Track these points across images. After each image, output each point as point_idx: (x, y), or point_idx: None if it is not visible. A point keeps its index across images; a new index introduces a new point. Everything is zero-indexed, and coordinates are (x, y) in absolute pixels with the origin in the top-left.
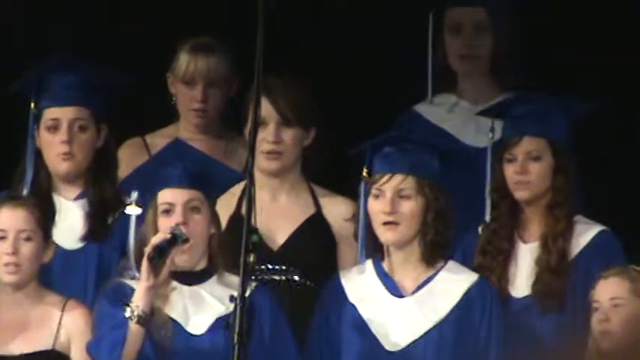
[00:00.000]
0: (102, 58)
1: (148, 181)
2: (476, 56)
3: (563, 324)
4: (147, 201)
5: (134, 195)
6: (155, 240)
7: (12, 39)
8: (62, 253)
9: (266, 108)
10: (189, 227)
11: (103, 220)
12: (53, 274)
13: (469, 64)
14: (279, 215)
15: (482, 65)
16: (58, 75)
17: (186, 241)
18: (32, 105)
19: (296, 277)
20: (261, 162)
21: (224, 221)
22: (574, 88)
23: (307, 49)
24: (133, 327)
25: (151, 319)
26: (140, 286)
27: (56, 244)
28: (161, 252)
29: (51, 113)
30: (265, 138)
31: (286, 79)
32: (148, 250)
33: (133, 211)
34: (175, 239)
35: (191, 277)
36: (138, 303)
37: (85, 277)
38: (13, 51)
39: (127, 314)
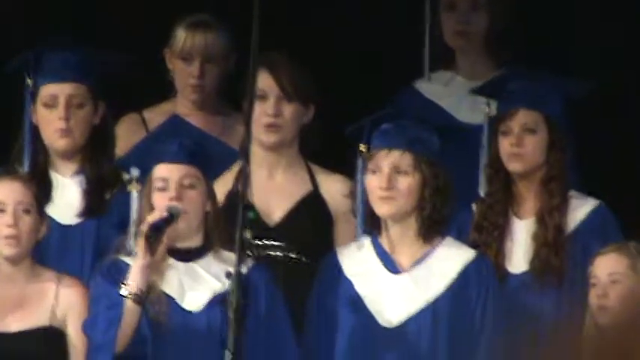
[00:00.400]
0: (100, 36)
1: (146, 158)
2: (470, 33)
3: (560, 300)
4: (144, 177)
5: (135, 172)
6: (151, 218)
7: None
8: (59, 228)
9: (267, 81)
10: (184, 203)
11: (101, 197)
12: (50, 250)
13: (464, 41)
14: (275, 192)
15: (477, 42)
16: (55, 52)
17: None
18: (29, 81)
19: (292, 254)
20: (260, 135)
21: (221, 198)
22: (571, 67)
23: (305, 26)
24: (129, 305)
25: (147, 297)
26: (136, 264)
27: (50, 221)
28: (157, 230)
29: (48, 89)
30: (265, 111)
31: (286, 54)
32: (144, 228)
33: (134, 187)
34: (172, 217)
35: (187, 254)
36: (133, 280)
37: (82, 253)
38: (9, 27)
39: (123, 292)
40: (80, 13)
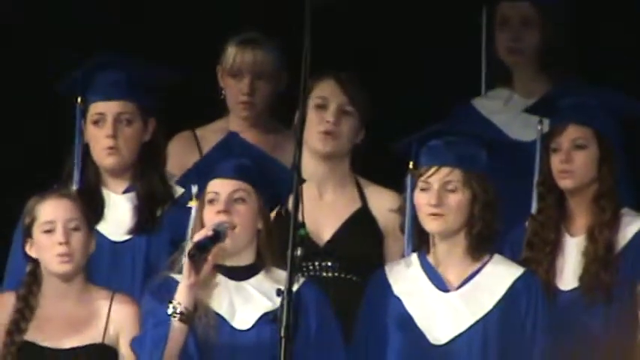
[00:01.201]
0: (152, 54)
1: (203, 175)
2: (522, 49)
3: (610, 317)
4: (201, 194)
5: (194, 189)
6: (197, 237)
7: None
8: (110, 245)
9: (330, 89)
10: (232, 216)
11: (152, 213)
12: (101, 267)
13: (516, 57)
14: (325, 211)
15: (531, 59)
16: (103, 70)
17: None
18: (79, 100)
19: (342, 274)
20: (316, 143)
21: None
22: (624, 87)
23: (360, 45)
24: (176, 324)
25: (193, 316)
26: (182, 283)
27: (100, 238)
28: (202, 249)
29: (96, 108)
30: (324, 118)
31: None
32: (188, 247)
33: (193, 204)
34: (217, 236)
35: (238, 273)
36: (180, 300)
37: (133, 270)
38: (62, 50)
39: (169, 311)
40: (134, 31)
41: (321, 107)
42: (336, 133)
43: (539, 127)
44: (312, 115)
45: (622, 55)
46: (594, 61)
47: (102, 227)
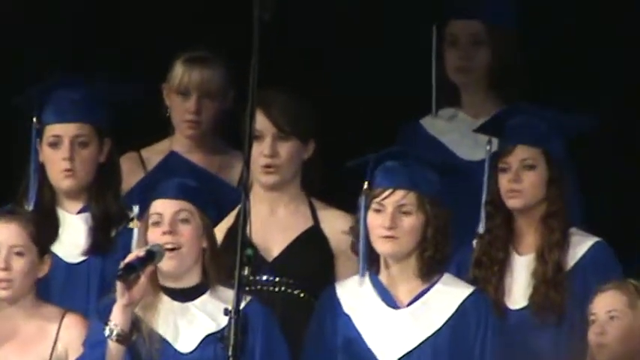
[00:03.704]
0: (100, 72)
1: (144, 195)
2: (471, 69)
3: (560, 336)
4: (142, 214)
5: (135, 210)
6: (128, 257)
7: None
8: (65, 266)
9: (262, 121)
10: (177, 236)
11: (106, 234)
12: (56, 288)
13: (465, 77)
14: (276, 228)
15: (480, 78)
16: (60, 91)
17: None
18: (34, 120)
19: (290, 290)
20: (259, 176)
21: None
22: (574, 102)
23: (306, 61)
24: (112, 345)
25: (129, 336)
26: (116, 304)
27: (52, 259)
28: (130, 270)
29: (52, 130)
30: (262, 152)
31: (283, 92)
32: (119, 267)
33: (134, 225)
34: (150, 256)
35: (184, 294)
36: (115, 321)
37: (88, 291)
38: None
39: (106, 333)
40: (80, 47)
41: (258, 138)
42: (276, 165)
43: (487, 147)
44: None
45: (572, 73)
46: (543, 79)
47: (56, 248)
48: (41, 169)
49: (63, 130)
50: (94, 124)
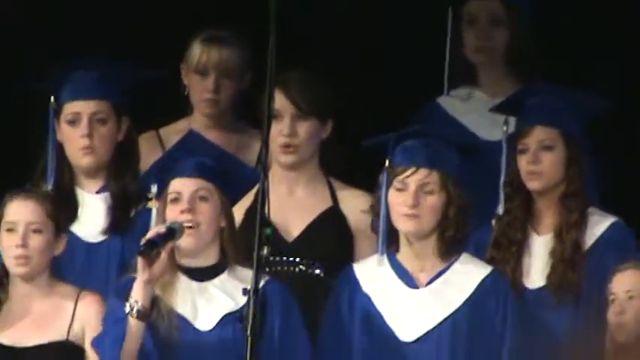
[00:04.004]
0: (117, 51)
1: (163, 174)
2: (490, 48)
3: (578, 316)
4: (161, 193)
5: (154, 189)
6: (149, 234)
7: (30, 34)
8: (85, 246)
9: (280, 101)
10: (195, 214)
11: (125, 213)
12: (76, 267)
13: (484, 56)
14: (295, 208)
15: (498, 57)
16: (77, 70)
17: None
18: (52, 99)
19: (310, 270)
20: (277, 155)
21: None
22: (591, 83)
23: (325, 42)
24: (132, 322)
25: (150, 313)
26: (137, 280)
27: (72, 239)
28: (151, 246)
29: (71, 107)
30: (281, 131)
31: (301, 72)
32: (140, 243)
33: (153, 204)
34: (171, 233)
35: (202, 273)
36: (136, 297)
37: (107, 270)
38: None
39: (126, 309)
40: (98, 30)
41: (277, 118)
42: (295, 145)
43: (504, 128)
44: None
45: (592, 53)
46: (562, 59)
47: (76, 228)
48: (59, 148)
49: (81, 107)
50: (112, 102)
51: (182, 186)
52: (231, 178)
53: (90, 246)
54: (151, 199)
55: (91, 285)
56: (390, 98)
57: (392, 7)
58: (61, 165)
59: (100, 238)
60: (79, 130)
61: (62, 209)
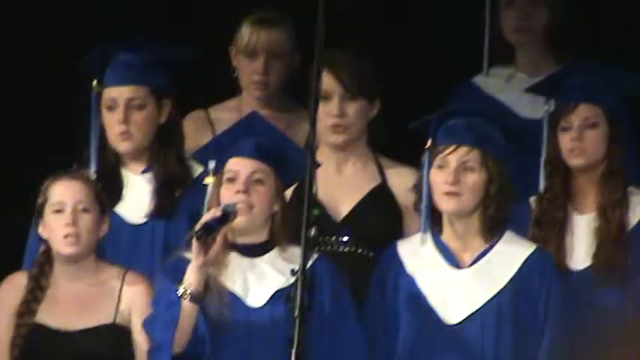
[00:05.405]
0: (164, 34)
1: (221, 152)
2: (529, 29)
3: (624, 296)
4: (218, 170)
5: (211, 164)
6: (205, 217)
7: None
8: (129, 227)
9: (329, 81)
10: (251, 196)
11: (170, 196)
12: (121, 249)
13: (523, 37)
14: (343, 187)
15: (537, 38)
16: (118, 53)
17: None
18: (94, 83)
19: (359, 249)
20: (327, 136)
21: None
22: (630, 63)
23: (368, 23)
24: (186, 305)
25: (203, 296)
26: (191, 264)
27: (116, 220)
28: (209, 230)
29: (109, 92)
30: (330, 112)
31: (349, 52)
32: (196, 227)
33: (209, 181)
34: (226, 216)
35: (252, 250)
36: (190, 281)
37: (152, 251)
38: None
39: (180, 292)
40: (148, 13)
41: (325, 99)
42: (344, 125)
43: (545, 107)
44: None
45: (629, 32)
46: (599, 38)
47: (121, 209)
48: (104, 131)
49: (118, 94)
50: (150, 86)
51: (239, 166)
52: (289, 162)
53: (134, 227)
54: (207, 175)
55: (136, 266)
56: (427, 77)
57: None
58: (105, 147)
59: (144, 219)
60: (115, 115)
61: (106, 191)
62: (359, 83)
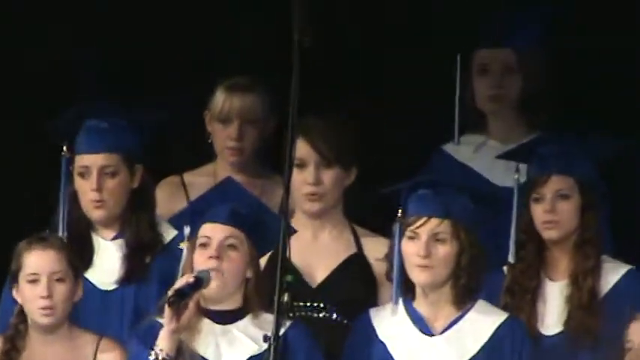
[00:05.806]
0: (140, 99)
1: (196, 218)
2: (504, 97)
3: None
4: (192, 235)
5: (186, 230)
6: (178, 283)
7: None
8: (99, 293)
9: (304, 149)
10: (223, 263)
11: (141, 261)
12: (90, 315)
13: (497, 105)
14: (319, 253)
15: (510, 106)
16: (89, 119)
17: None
18: (64, 149)
19: (333, 316)
20: (302, 204)
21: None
22: (605, 128)
23: (344, 90)
24: None
25: None
26: (164, 329)
27: (86, 286)
28: (181, 295)
29: (81, 160)
30: (305, 180)
31: (325, 120)
32: (169, 293)
33: (184, 245)
34: (199, 283)
35: (224, 316)
36: (162, 346)
37: (121, 318)
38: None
39: (151, 358)
40: (123, 77)
41: (301, 166)
42: (320, 193)
43: (515, 176)
44: (294, 175)
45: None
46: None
47: (91, 275)
48: (75, 196)
49: (90, 161)
50: (122, 153)
51: (212, 231)
52: (264, 228)
53: (104, 294)
54: (182, 241)
55: (106, 332)
56: (397, 144)
57: (405, 55)
58: (76, 211)
59: (114, 286)
60: (88, 183)
61: (78, 256)
62: (335, 151)
